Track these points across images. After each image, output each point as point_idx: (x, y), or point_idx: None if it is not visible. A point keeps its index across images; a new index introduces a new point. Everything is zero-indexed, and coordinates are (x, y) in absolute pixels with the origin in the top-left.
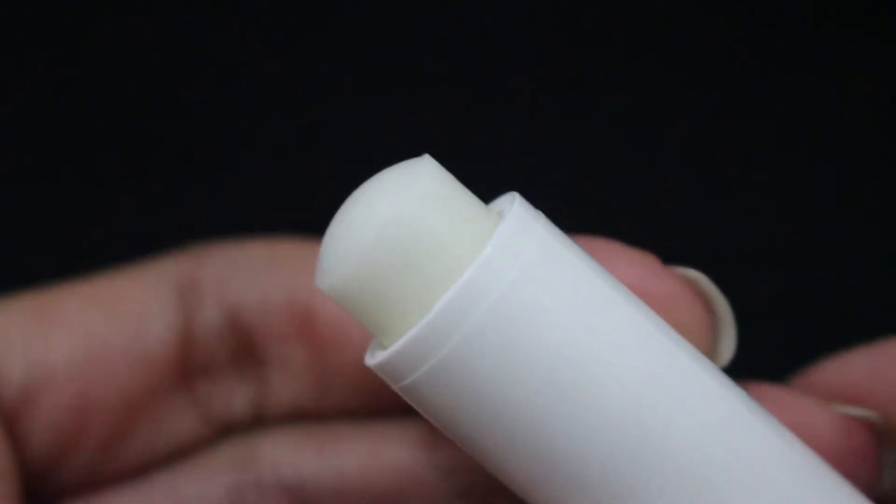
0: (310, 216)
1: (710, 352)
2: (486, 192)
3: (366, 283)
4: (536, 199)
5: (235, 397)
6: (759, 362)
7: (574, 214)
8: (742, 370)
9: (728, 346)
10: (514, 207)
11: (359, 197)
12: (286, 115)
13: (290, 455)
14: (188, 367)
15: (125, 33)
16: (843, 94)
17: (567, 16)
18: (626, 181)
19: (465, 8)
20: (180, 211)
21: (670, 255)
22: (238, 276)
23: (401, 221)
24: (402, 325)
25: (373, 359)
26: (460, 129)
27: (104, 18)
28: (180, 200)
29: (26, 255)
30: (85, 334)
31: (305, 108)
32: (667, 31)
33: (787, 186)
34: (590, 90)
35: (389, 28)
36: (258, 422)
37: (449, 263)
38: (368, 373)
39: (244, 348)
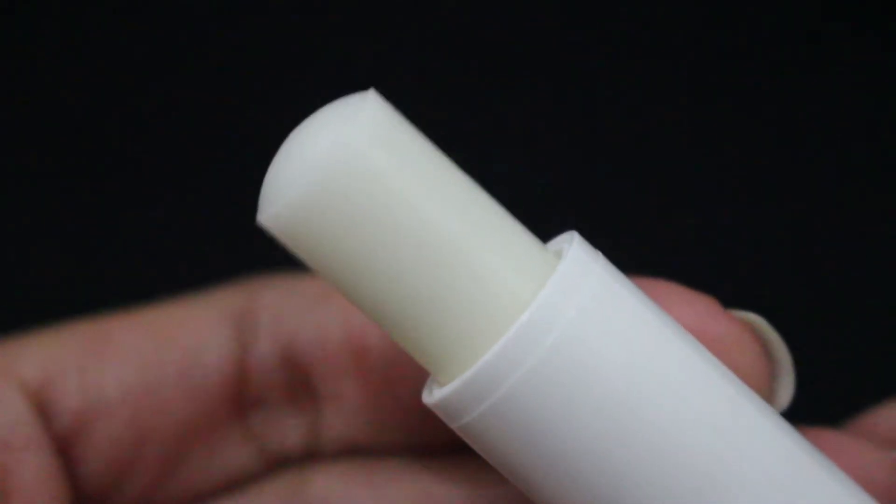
0: None
1: (767, 396)
2: (488, 190)
3: (305, 212)
4: (538, 201)
5: (289, 430)
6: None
7: (576, 216)
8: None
9: (786, 390)
10: (573, 247)
11: (301, 128)
12: (287, 114)
13: (342, 490)
14: (242, 399)
15: (125, 33)
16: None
17: (570, 17)
18: (627, 182)
19: (468, 7)
20: (181, 212)
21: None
22: (293, 309)
23: (339, 155)
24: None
25: (430, 397)
26: (464, 128)
27: (105, 18)
28: (180, 200)
29: (26, 257)
30: (140, 364)
31: (305, 108)
32: (671, 34)
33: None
34: (593, 91)
35: (392, 28)
36: (311, 456)
37: (400, 213)
38: (422, 409)
39: (298, 382)
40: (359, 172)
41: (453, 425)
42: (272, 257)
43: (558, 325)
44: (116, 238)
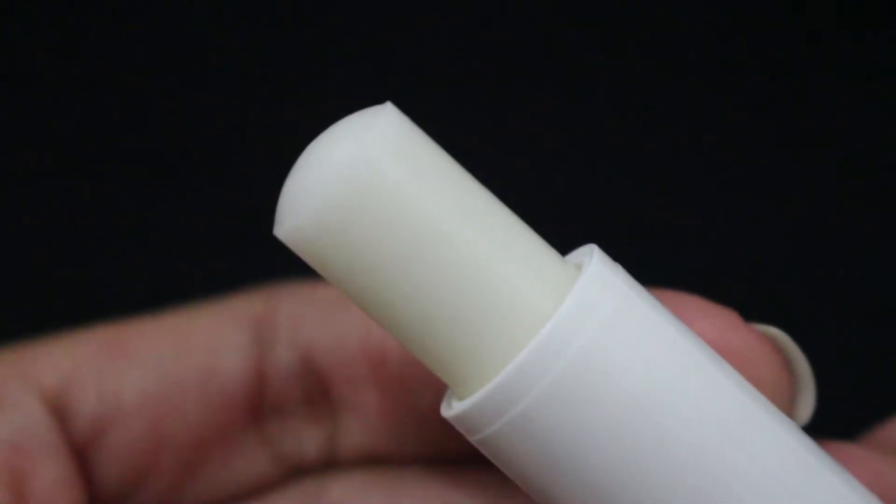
0: None
1: (788, 410)
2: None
3: (322, 226)
4: (540, 204)
5: (306, 438)
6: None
7: (576, 217)
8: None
9: (807, 405)
10: (593, 260)
11: (318, 141)
12: (286, 114)
13: (359, 499)
14: (260, 405)
15: (125, 32)
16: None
17: (573, 17)
18: (627, 183)
19: (469, 7)
20: (180, 211)
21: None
22: (312, 316)
23: (358, 165)
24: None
25: (448, 410)
26: (464, 128)
27: (105, 18)
28: (180, 200)
29: (25, 255)
30: (157, 370)
31: (304, 106)
32: (673, 33)
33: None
34: (600, 95)
35: (392, 28)
36: (328, 464)
37: (420, 228)
38: (441, 419)
39: (317, 389)
40: (377, 186)
41: (472, 439)
42: (280, 260)
43: (579, 339)
44: (120, 240)
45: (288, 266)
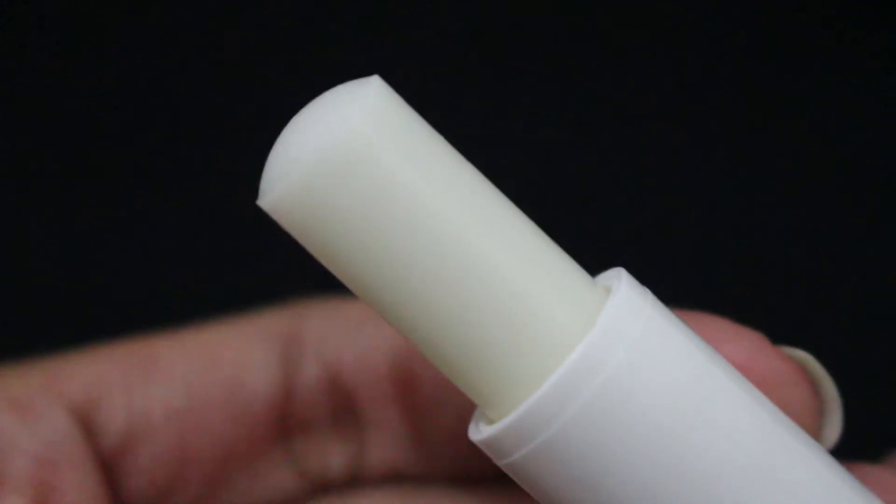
0: None
1: (815, 433)
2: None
3: (307, 197)
4: (539, 205)
5: (332, 455)
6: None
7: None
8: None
9: (834, 428)
10: (622, 283)
11: (302, 113)
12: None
13: None
14: (287, 422)
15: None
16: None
17: (574, 16)
18: (627, 182)
19: (470, 7)
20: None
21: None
22: (340, 333)
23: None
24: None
25: (477, 434)
26: (464, 128)
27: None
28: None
29: (25, 255)
30: (185, 385)
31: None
32: (673, 33)
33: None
34: (592, 93)
35: (392, 27)
36: (354, 482)
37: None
38: (468, 439)
39: (343, 406)
40: (359, 157)
41: (500, 462)
42: (307, 276)
43: (608, 364)
44: (147, 254)
45: (315, 282)
